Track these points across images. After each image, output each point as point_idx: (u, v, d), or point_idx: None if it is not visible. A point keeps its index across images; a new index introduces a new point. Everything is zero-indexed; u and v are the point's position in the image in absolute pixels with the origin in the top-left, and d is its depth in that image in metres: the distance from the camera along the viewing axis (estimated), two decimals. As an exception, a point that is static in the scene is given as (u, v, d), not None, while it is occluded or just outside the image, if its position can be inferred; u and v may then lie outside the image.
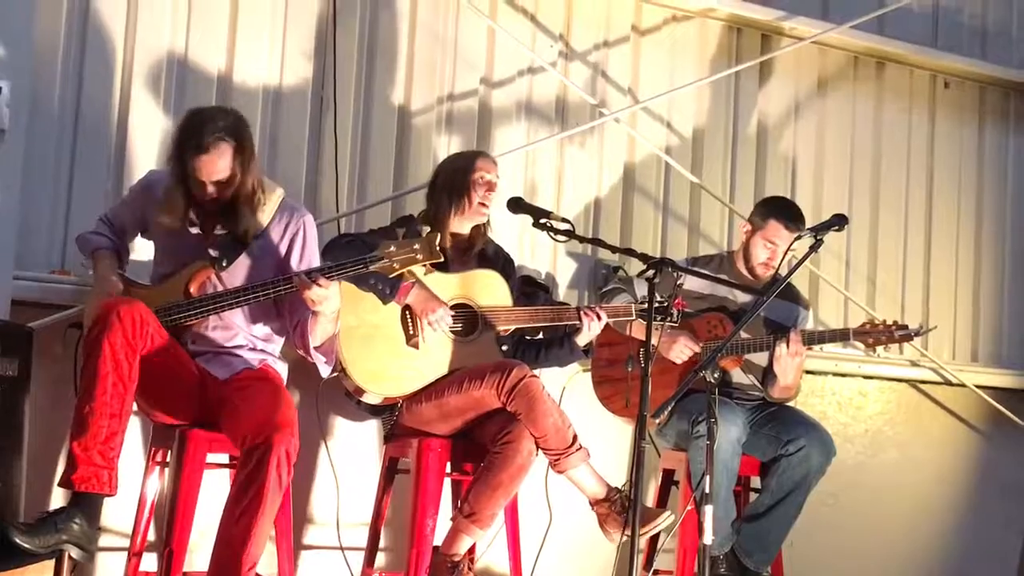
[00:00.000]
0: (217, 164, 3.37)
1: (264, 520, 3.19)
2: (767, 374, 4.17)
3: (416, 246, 3.38)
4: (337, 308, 3.49)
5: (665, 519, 3.75)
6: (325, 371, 3.65)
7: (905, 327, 4.07)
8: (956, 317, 5.55)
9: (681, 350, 4.13)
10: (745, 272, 4.29)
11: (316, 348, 3.57)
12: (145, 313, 3.24)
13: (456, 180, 3.97)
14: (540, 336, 4.12)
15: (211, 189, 3.41)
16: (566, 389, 4.47)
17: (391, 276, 3.45)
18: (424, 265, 3.44)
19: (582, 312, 3.92)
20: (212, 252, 3.51)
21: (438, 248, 3.38)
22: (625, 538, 3.62)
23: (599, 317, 3.92)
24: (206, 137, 3.34)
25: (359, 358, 3.76)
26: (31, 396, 3.50)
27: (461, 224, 4.00)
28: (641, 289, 4.15)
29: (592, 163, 4.87)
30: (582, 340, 3.97)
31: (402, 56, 4.57)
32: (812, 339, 4.11)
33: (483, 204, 3.95)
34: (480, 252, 4.05)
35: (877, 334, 4.07)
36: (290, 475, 3.23)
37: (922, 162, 5.54)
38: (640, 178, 4.95)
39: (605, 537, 3.79)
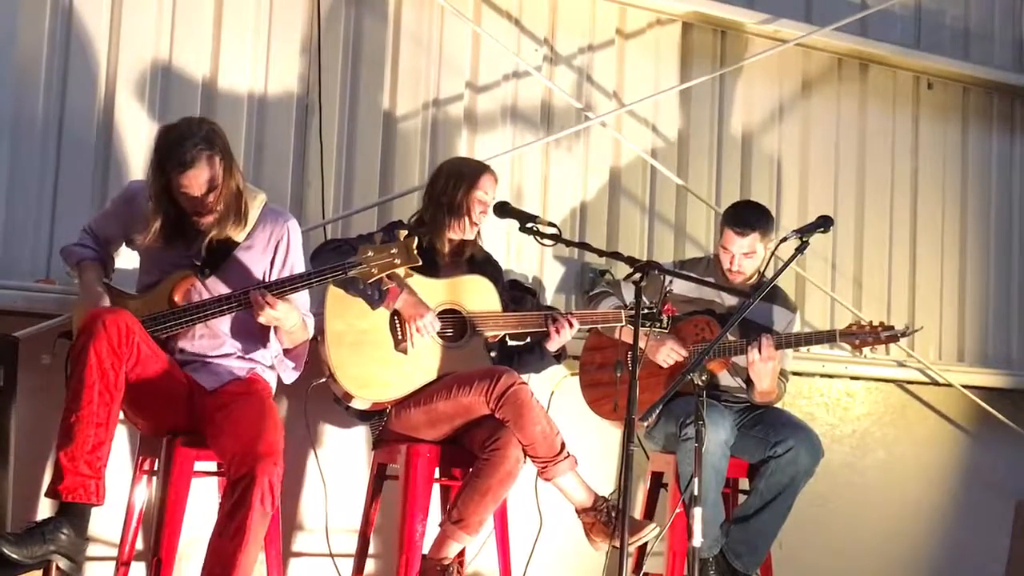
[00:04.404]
0: (202, 176, 3.37)
1: (250, 549, 3.18)
2: (749, 378, 4.17)
3: (394, 251, 3.40)
4: (297, 322, 3.51)
5: (651, 531, 3.75)
6: (290, 377, 3.67)
7: (891, 328, 4.08)
8: (942, 317, 5.57)
9: (668, 354, 4.13)
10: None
11: (286, 353, 3.62)
12: (131, 322, 3.23)
13: (457, 196, 3.93)
14: (527, 340, 4.12)
15: (201, 201, 3.40)
16: (555, 393, 4.47)
17: (371, 281, 3.45)
18: (404, 269, 3.44)
19: (547, 320, 3.92)
20: (195, 261, 3.50)
21: (416, 252, 3.38)
22: (611, 548, 3.64)
23: (570, 325, 3.92)
24: (187, 152, 3.33)
25: (347, 363, 3.75)
26: (16, 405, 3.49)
27: (454, 233, 4.00)
28: (628, 292, 4.15)
29: (578, 167, 4.88)
30: (553, 346, 3.97)
31: (387, 62, 4.57)
32: (799, 340, 4.11)
33: (476, 223, 3.96)
34: (469, 258, 4.05)
35: (864, 335, 4.07)
36: (275, 504, 3.22)
37: (906, 163, 5.56)
38: (626, 181, 4.96)
39: (591, 546, 3.79)
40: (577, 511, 3.79)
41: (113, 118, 4.11)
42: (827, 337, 4.13)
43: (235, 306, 3.43)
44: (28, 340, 3.71)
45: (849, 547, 5.17)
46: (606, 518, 3.74)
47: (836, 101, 5.43)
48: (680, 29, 5.12)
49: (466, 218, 3.94)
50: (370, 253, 3.41)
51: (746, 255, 4.18)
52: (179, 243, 3.50)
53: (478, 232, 4.06)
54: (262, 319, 3.41)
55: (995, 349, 5.67)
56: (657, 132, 5.04)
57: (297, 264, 3.64)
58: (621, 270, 4.49)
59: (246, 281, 3.51)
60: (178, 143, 3.35)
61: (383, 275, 3.42)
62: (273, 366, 3.67)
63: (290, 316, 3.46)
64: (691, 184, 5.00)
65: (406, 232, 3.49)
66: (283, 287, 3.45)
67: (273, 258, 3.60)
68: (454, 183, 3.96)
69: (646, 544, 3.92)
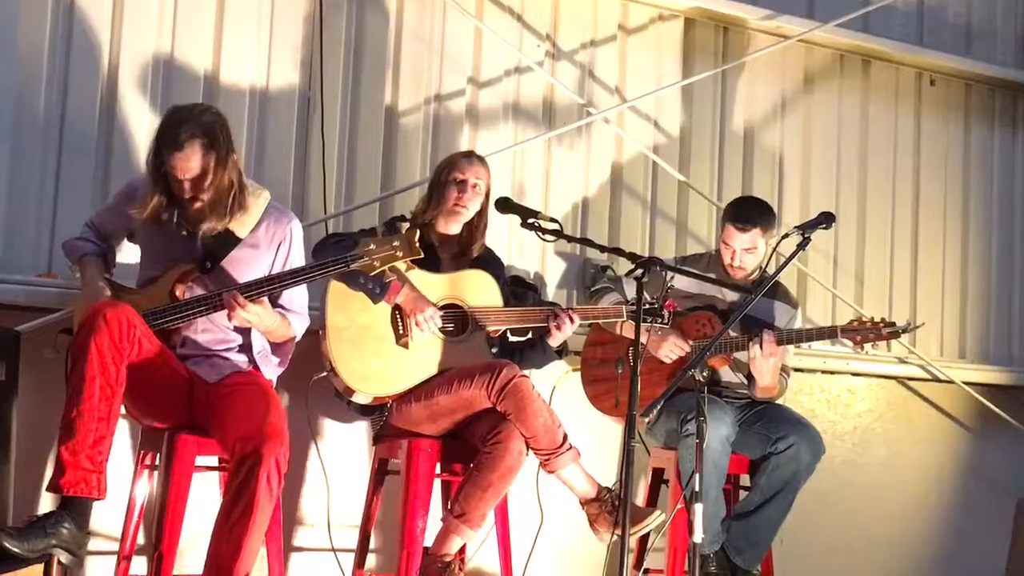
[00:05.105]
0: (191, 161, 3.37)
1: (255, 531, 3.20)
2: (751, 374, 4.17)
3: (396, 243, 3.40)
4: (272, 324, 3.51)
5: (655, 518, 3.75)
6: (272, 373, 3.67)
7: (893, 324, 4.08)
8: (943, 313, 5.56)
9: (670, 349, 4.13)
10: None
11: (273, 349, 3.63)
12: (132, 316, 3.23)
13: (436, 178, 4.01)
14: (528, 336, 4.12)
15: (187, 186, 3.41)
16: (556, 388, 4.47)
17: (373, 274, 3.45)
18: (405, 262, 3.44)
19: (549, 316, 3.92)
20: (197, 256, 3.50)
21: (417, 244, 3.38)
22: (615, 537, 3.63)
23: (571, 320, 3.92)
24: (181, 135, 3.35)
25: (348, 358, 3.75)
26: (18, 400, 3.49)
27: (447, 224, 4.01)
28: (630, 288, 4.15)
29: (580, 162, 4.88)
30: (554, 341, 3.98)
31: (389, 57, 4.57)
32: (800, 337, 4.11)
33: (457, 204, 3.96)
34: (471, 253, 4.04)
35: (865, 331, 4.07)
36: (280, 485, 3.24)
37: (908, 159, 5.55)
38: (628, 177, 4.96)
39: (595, 536, 3.79)
40: (581, 502, 3.80)
41: (115, 112, 4.10)
42: (828, 333, 4.12)
43: (217, 305, 3.43)
44: (30, 334, 3.72)
45: (850, 543, 5.17)
46: (610, 508, 3.74)
47: (838, 97, 5.42)
48: (682, 25, 5.11)
49: (441, 196, 3.95)
50: (372, 246, 3.41)
51: (747, 251, 4.19)
52: (180, 238, 3.50)
53: (483, 228, 4.05)
54: (234, 321, 3.43)
55: (997, 346, 5.66)
56: (659, 128, 5.04)
57: (297, 264, 3.63)
58: (623, 266, 4.50)
59: (247, 278, 3.51)
60: (176, 124, 3.37)
61: (385, 268, 3.42)
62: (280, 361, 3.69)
63: (264, 319, 3.46)
64: (693, 180, 5.00)
65: (408, 225, 3.49)
66: (286, 280, 3.46)
67: (274, 258, 3.61)
68: (437, 169, 4.04)
69: (647, 539, 3.92)
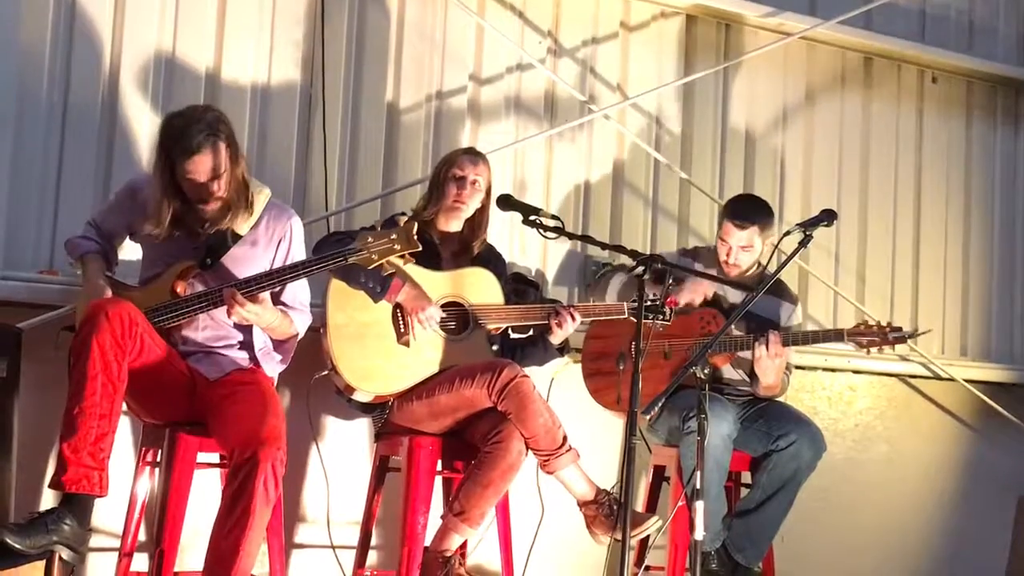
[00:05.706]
0: (208, 163, 3.37)
1: (253, 534, 3.19)
2: (753, 372, 4.17)
3: (393, 236, 3.39)
4: (273, 321, 3.51)
5: (652, 524, 3.75)
6: (274, 370, 3.68)
7: (899, 329, 4.08)
8: (945, 311, 5.56)
9: (689, 298, 4.14)
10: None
11: (275, 346, 3.63)
12: (134, 313, 3.24)
13: (436, 175, 4.01)
14: (530, 334, 4.12)
15: (207, 187, 3.41)
16: (554, 381, 4.47)
17: (371, 267, 3.45)
18: (403, 256, 3.43)
19: (550, 313, 3.92)
20: (199, 253, 3.50)
21: (415, 237, 3.38)
22: (613, 540, 3.64)
23: (572, 318, 3.92)
24: (194, 137, 3.34)
25: (349, 356, 3.75)
26: (20, 396, 3.49)
27: (447, 221, 4.00)
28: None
29: (581, 159, 4.87)
30: (555, 339, 3.98)
31: (390, 54, 4.57)
32: (806, 339, 4.11)
33: (457, 201, 3.95)
34: (472, 251, 4.04)
35: (871, 335, 4.07)
36: (278, 488, 3.23)
37: (910, 156, 5.55)
38: (629, 174, 4.96)
39: (592, 539, 3.79)
40: (579, 504, 3.80)
41: (116, 109, 4.10)
42: (835, 336, 4.12)
43: (217, 302, 3.43)
44: (31, 331, 3.72)
45: (851, 541, 5.17)
46: (608, 511, 3.74)
47: (840, 95, 5.42)
48: (683, 22, 5.11)
49: (440, 193, 3.94)
50: (369, 239, 3.40)
51: (743, 248, 4.19)
52: (183, 235, 3.50)
53: (484, 225, 4.05)
54: (234, 318, 3.43)
55: (998, 344, 5.66)
56: (660, 125, 5.04)
57: (297, 260, 3.63)
58: (623, 264, 4.49)
59: (248, 274, 3.51)
60: (183, 129, 3.36)
61: (383, 261, 3.42)
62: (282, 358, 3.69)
63: (264, 315, 3.45)
64: (694, 177, 5.00)
65: (406, 218, 3.49)
66: (285, 275, 3.46)
67: (275, 254, 3.61)
68: (436, 166, 4.04)
69: (648, 537, 3.92)
